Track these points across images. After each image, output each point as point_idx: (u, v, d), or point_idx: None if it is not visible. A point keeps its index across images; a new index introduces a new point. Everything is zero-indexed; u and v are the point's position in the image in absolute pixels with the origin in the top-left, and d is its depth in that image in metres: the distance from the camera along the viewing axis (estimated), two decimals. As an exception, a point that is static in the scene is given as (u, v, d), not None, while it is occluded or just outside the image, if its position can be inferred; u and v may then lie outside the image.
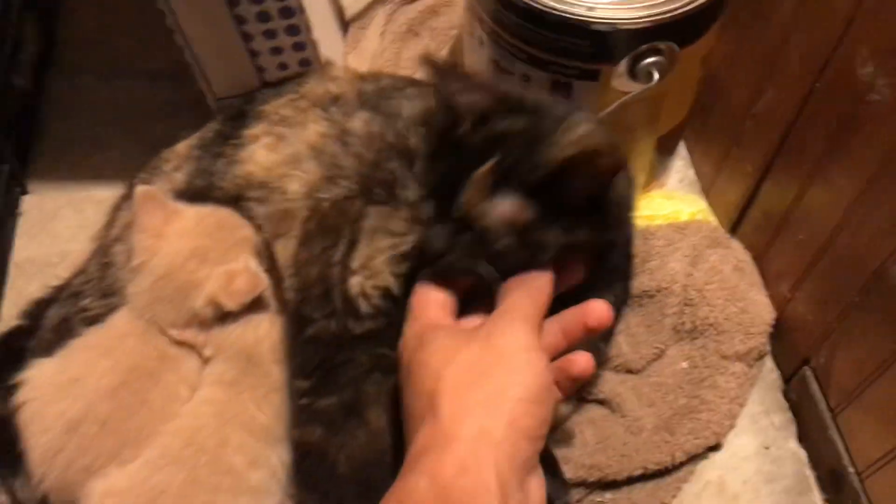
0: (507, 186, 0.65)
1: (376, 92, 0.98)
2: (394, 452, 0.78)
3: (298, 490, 0.83)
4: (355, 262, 0.83)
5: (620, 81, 0.92)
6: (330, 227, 0.87)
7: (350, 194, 0.90)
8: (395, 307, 0.79)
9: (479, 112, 0.68)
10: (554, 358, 0.68)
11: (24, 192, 1.21)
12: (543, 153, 0.64)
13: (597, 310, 0.67)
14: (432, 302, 0.69)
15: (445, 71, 0.72)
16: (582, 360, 0.67)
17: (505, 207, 0.65)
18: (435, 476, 0.56)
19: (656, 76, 0.90)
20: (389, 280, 0.82)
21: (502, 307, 0.65)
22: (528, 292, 0.65)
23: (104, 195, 1.16)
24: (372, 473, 0.78)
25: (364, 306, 0.82)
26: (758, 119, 1.00)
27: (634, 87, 0.92)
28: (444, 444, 0.57)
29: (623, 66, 0.90)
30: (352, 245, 0.84)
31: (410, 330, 0.68)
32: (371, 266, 0.83)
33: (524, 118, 0.68)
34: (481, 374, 0.60)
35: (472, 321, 0.69)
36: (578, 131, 0.64)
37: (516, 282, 0.66)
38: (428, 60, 0.72)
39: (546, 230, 0.66)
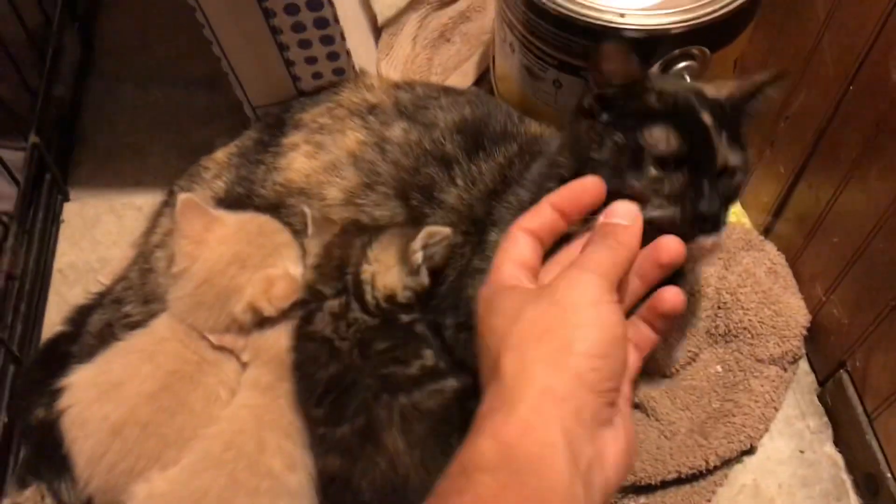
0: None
1: (412, 101, 0.99)
2: (417, 473, 0.79)
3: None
4: (371, 254, 0.85)
5: (652, 86, 0.92)
6: (364, 227, 0.89)
7: (387, 200, 0.92)
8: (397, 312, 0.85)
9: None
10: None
11: (66, 200, 1.24)
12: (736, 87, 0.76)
13: (668, 297, 0.64)
14: (510, 259, 0.65)
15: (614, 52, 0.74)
16: (670, 295, 0.64)
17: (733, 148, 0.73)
18: (499, 437, 0.54)
19: (688, 80, 0.90)
20: (398, 287, 0.84)
21: (577, 260, 0.62)
22: (607, 246, 0.62)
23: (144, 201, 1.20)
24: (396, 498, 0.79)
25: (369, 295, 0.84)
26: (792, 120, 1.00)
27: (667, 92, 0.92)
28: (508, 405, 0.56)
29: (655, 70, 0.90)
30: (372, 238, 0.86)
31: (482, 295, 0.65)
32: (383, 260, 0.85)
33: None
34: (545, 331, 0.58)
35: (551, 271, 0.66)
36: None
37: (600, 234, 0.63)
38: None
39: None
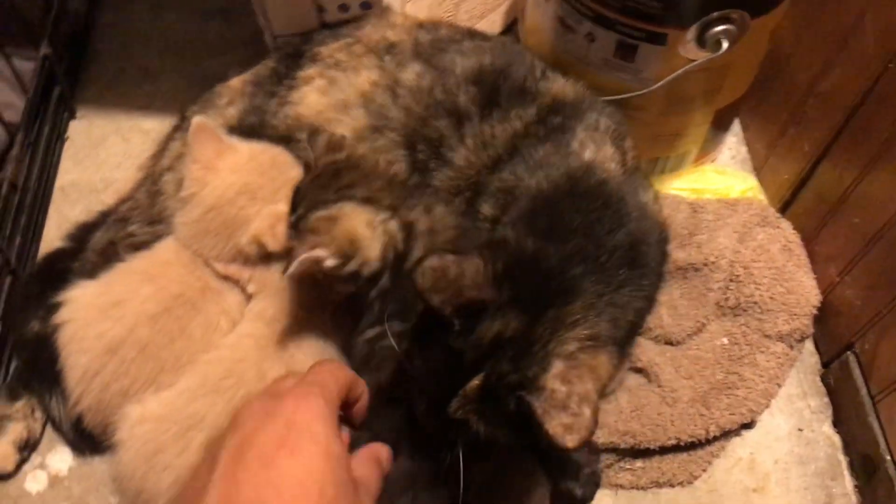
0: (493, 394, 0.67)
1: (432, 43, 0.96)
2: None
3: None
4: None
5: (687, 48, 0.90)
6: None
7: (395, 147, 0.90)
8: None
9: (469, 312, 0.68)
10: None
11: (73, 118, 1.21)
12: (527, 379, 0.66)
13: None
14: None
15: (432, 285, 0.68)
16: None
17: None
18: None
19: (725, 45, 0.88)
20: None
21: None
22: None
23: (151, 125, 1.17)
24: None
25: None
26: (822, 97, 0.98)
27: (701, 55, 0.90)
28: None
29: (692, 31, 0.88)
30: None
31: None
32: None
33: (517, 318, 0.68)
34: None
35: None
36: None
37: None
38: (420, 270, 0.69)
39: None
